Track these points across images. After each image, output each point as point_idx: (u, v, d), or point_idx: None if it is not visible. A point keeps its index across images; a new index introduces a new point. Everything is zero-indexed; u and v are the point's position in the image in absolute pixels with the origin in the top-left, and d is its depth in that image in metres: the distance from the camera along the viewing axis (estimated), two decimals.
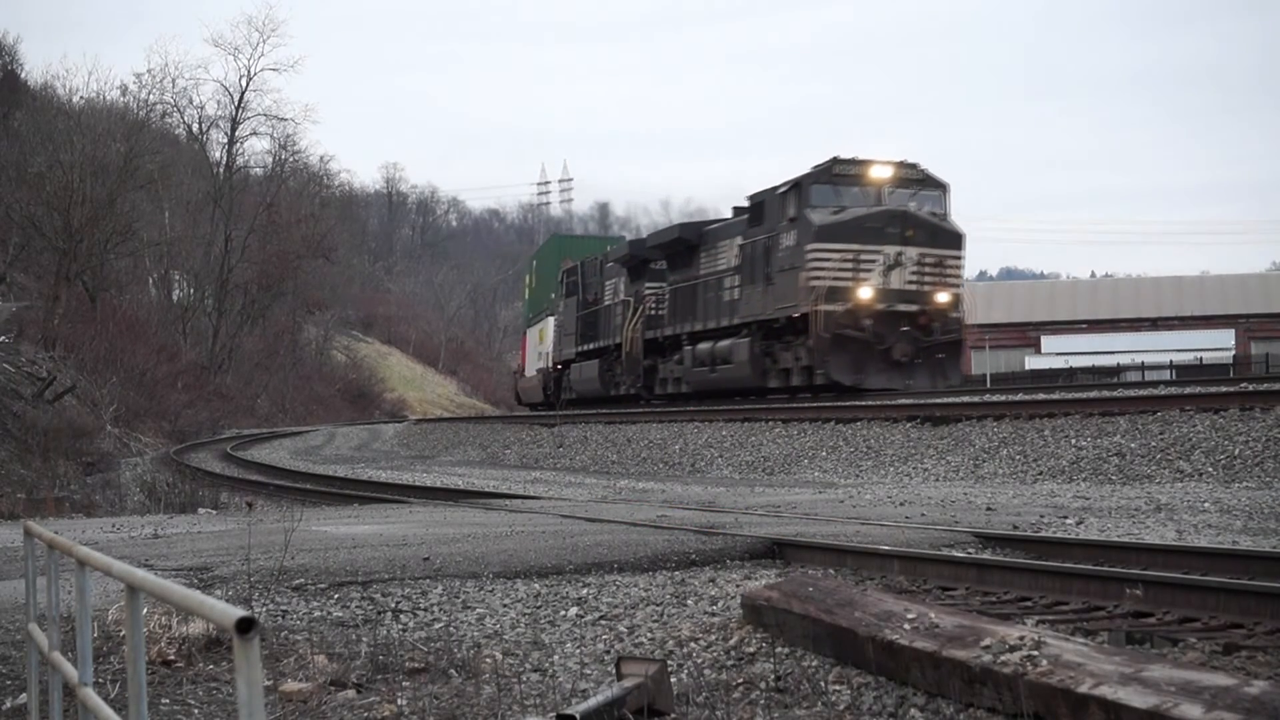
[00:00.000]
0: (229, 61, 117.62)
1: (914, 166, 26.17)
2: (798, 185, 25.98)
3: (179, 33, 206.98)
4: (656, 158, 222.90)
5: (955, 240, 25.71)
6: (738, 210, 30.19)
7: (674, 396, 32.78)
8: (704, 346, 29.86)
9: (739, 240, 28.60)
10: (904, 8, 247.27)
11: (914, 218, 25.27)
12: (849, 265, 25.00)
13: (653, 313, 33.49)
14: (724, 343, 28.77)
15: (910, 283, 25.03)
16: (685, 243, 31.49)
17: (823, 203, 25.56)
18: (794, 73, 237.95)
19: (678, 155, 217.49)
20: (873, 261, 24.98)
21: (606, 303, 37.50)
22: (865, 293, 24.89)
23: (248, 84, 69.78)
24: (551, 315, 44.37)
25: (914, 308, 24.88)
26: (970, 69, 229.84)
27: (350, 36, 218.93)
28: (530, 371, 49.00)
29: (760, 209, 27.60)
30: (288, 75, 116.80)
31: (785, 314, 26.05)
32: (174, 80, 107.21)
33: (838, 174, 25.81)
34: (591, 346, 38.11)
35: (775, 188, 26.98)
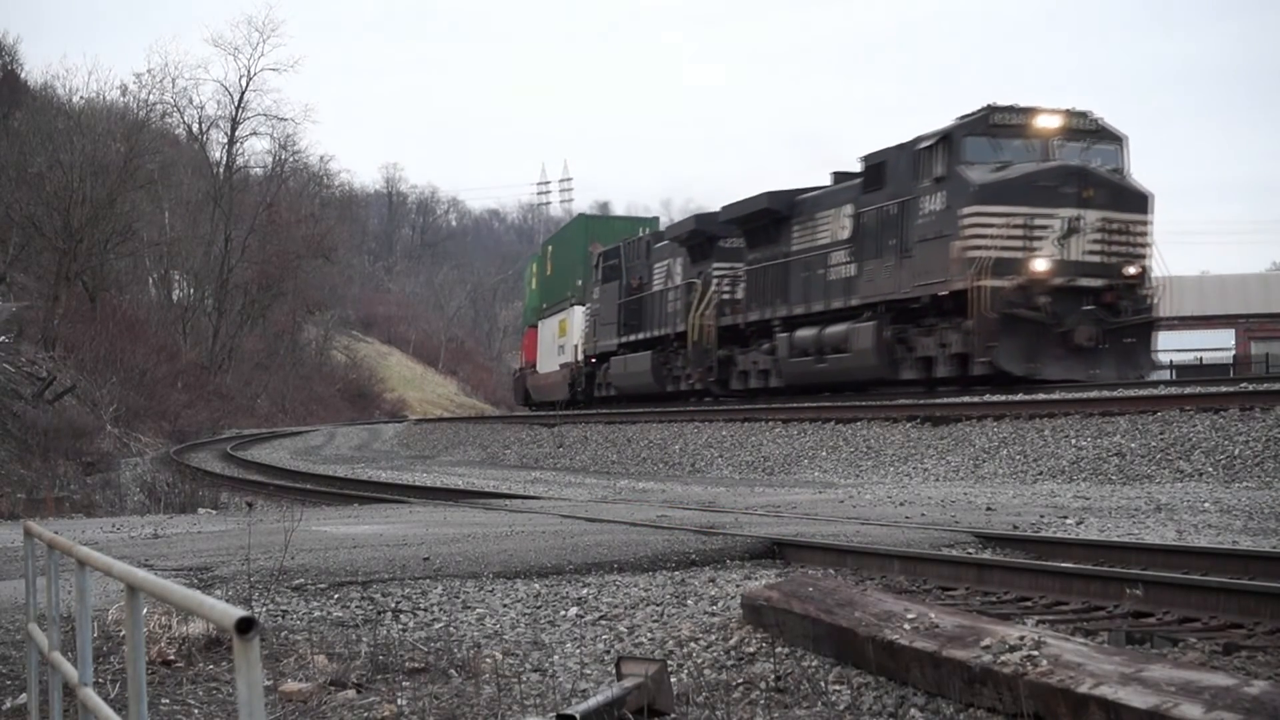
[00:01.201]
0: (229, 61, 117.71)
1: (1085, 115, 22.43)
2: (947, 138, 22.14)
3: (179, 33, 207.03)
4: (657, 158, 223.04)
5: (1142, 202, 21.91)
6: (839, 175, 26.60)
7: (755, 392, 29.05)
8: (805, 333, 26.00)
9: (848, 209, 24.90)
10: (907, 9, 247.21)
11: (1094, 175, 21.55)
12: (1018, 232, 21.24)
13: (726, 296, 29.92)
14: (835, 328, 24.97)
15: (1092, 252, 21.28)
16: (772, 215, 27.58)
17: (979, 158, 21.89)
18: (793, 75, 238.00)
19: (678, 155, 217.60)
20: (1046, 227, 21.25)
21: (656, 288, 34.14)
22: (1040, 265, 21.08)
23: (248, 84, 69.85)
24: (578, 304, 40.92)
25: (1098, 282, 21.17)
26: (965, 69, 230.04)
27: (350, 36, 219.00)
28: (547, 367, 45.40)
29: (880, 171, 23.86)
30: (287, 75, 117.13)
31: (929, 292, 22.31)
32: (174, 80, 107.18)
33: (996, 124, 22.03)
34: (639, 337, 34.71)
35: (906, 143, 23.24)
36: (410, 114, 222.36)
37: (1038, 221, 21.25)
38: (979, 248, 21.18)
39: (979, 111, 22.28)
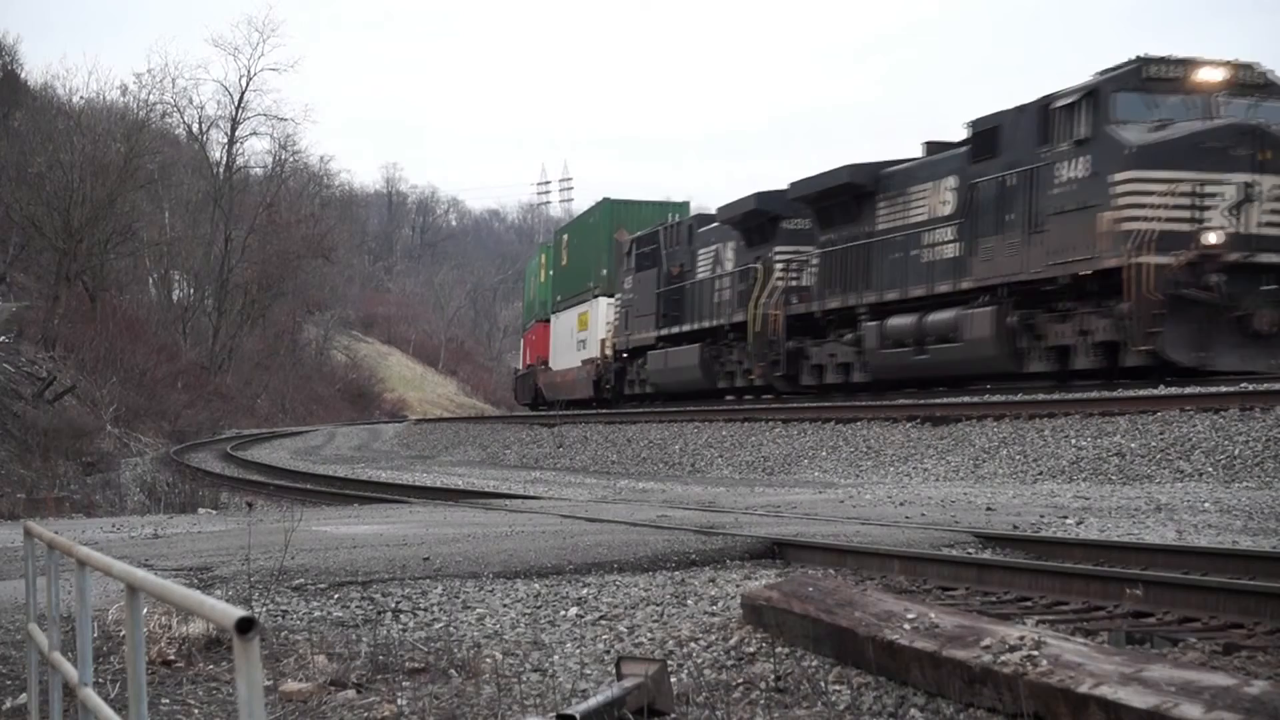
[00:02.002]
0: (229, 61, 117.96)
1: (1251, 67, 19.94)
2: (1092, 94, 19.53)
3: (179, 33, 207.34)
4: (657, 157, 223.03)
5: None
6: (933, 146, 23.95)
7: (831, 388, 26.20)
8: (900, 322, 23.14)
9: (950, 181, 22.28)
10: (914, 11, 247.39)
11: (1271, 135, 18.75)
12: (1184, 200, 18.54)
13: (793, 283, 27.40)
14: (941, 315, 22.11)
15: (1272, 224, 18.54)
16: (854, 190, 24.84)
17: (1132, 116, 19.28)
18: (795, 74, 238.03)
19: (678, 155, 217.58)
20: (1216, 195, 18.53)
21: (701, 275, 31.39)
22: (1212, 238, 18.30)
23: (247, 84, 69.86)
24: (603, 295, 38.44)
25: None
26: (956, 68, 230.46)
27: (350, 36, 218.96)
28: (564, 363, 42.52)
29: (992, 137, 21.24)
30: (287, 75, 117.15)
31: (1068, 271, 19.57)
32: (174, 80, 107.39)
33: (1151, 77, 19.50)
34: (682, 329, 31.82)
35: (1029, 105, 20.64)
36: (410, 114, 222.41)
37: (1207, 189, 18.49)
38: (1138, 219, 18.41)
39: (1129, 64, 19.70)
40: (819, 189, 25.92)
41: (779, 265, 27.83)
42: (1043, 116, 20.22)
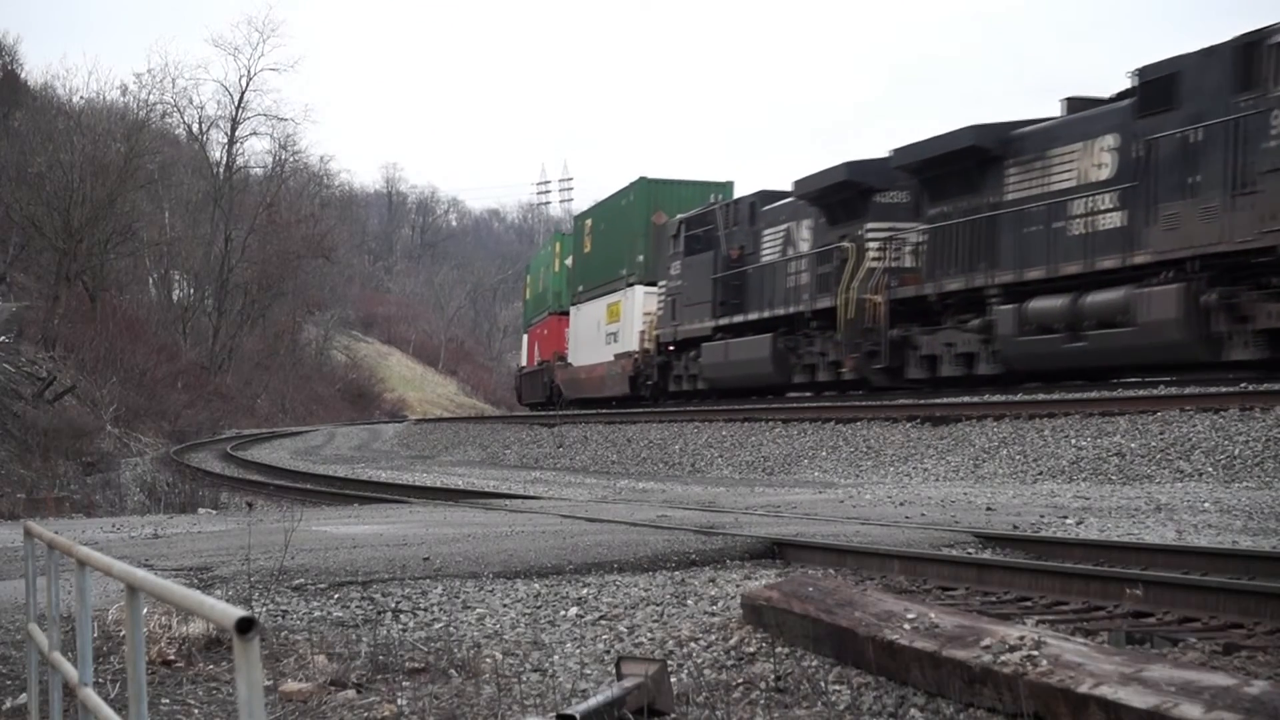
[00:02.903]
0: (229, 61, 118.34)
1: None
2: None
3: (179, 33, 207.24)
4: (657, 157, 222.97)
5: None
6: (1077, 102, 20.88)
7: (946, 382, 22.89)
8: (1047, 304, 19.98)
9: (1108, 140, 19.37)
10: (914, 12, 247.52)
11: None
12: None
13: (893, 263, 24.23)
14: (1104, 295, 19.05)
15: None
16: (978, 154, 21.77)
17: None
18: (796, 74, 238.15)
19: (678, 155, 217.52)
20: None
21: (768, 258, 28.34)
22: None
23: (248, 84, 70.00)
24: (639, 283, 35.38)
25: None
26: (969, 68, 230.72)
27: (350, 36, 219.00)
28: (589, 358, 39.32)
29: (1169, 86, 18.24)
30: (287, 75, 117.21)
31: None
32: (174, 80, 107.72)
33: None
34: (747, 318, 28.73)
35: (1220, 46, 17.66)
36: (410, 114, 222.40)
37: None
38: None
39: None
40: (931, 155, 22.73)
41: (873, 244, 24.57)
42: (1245, 57, 17.16)
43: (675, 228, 32.45)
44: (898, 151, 23.86)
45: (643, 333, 34.75)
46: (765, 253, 28.63)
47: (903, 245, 24.30)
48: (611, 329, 37.46)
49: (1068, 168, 20.15)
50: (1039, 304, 20.30)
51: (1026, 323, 20.53)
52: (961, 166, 22.24)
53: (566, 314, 43.46)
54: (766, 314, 28.02)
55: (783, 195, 28.66)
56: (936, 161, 22.74)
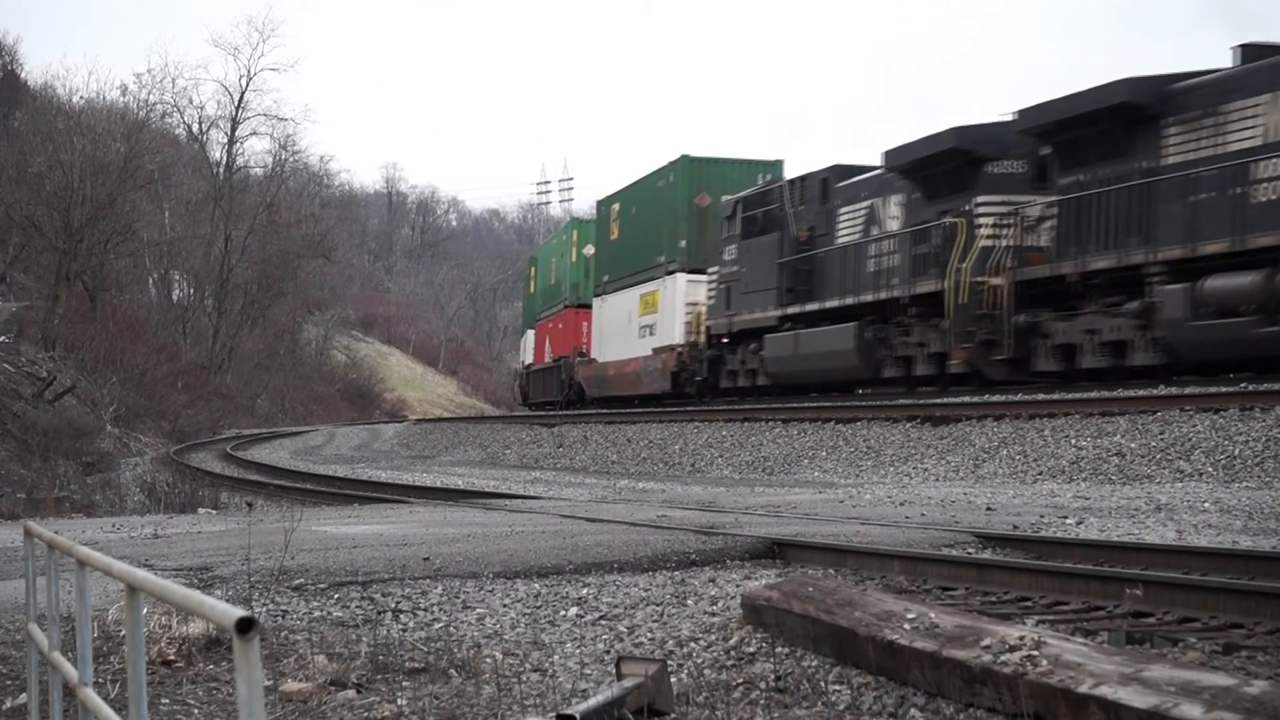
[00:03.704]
0: (229, 61, 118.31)
1: None
2: None
3: (179, 33, 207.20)
4: (658, 158, 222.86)
5: None
6: (1252, 50, 18.48)
7: (1090, 374, 20.14)
8: (1229, 283, 17.34)
9: None
10: (916, 14, 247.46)
11: None
12: None
13: (1006, 240, 21.48)
14: None
15: None
16: (1129, 112, 19.16)
17: None
18: (796, 74, 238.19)
19: (676, 152, 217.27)
20: None
21: (844, 239, 25.63)
22: None
23: (248, 84, 70.01)
24: (681, 271, 32.63)
25: None
26: (946, 76, 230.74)
27: (350, 36, 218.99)
28: (617, 353, 36.55)
29: None
30: (287, 75, 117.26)
31: None
32: (174, 80, 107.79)
33: None
34: (823, 305, 25.94)
35: None
36: (410, 114, 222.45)
37: None
38: None
39: None
40: (1068, 115, 19.97)
41: (985, 219, 21.83)
42: None
43: (730, 208, 29.65)
44: (1023, 113, 21.10)
45: (687, 324, 32.17)
46: (842, 233, 25.78)
47: (1025, 220, 21.41)
48: (647, 321, 34.61)
49: (1251, 124, 17.61)
50: (1220, 282, 17.47)
51: (1202, 304, 17.74)
52: (1105, 127, 19.51)
53: (587, 306, 41.11)
54: (849, 301, 25.03)
55: (862, 169, 26.15)
56: (1074, 122, 19.91)
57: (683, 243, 33.04)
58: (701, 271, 31.79)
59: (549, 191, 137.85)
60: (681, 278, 32.76)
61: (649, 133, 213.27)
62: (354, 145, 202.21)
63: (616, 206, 38.74)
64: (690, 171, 33.62)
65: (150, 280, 66.50)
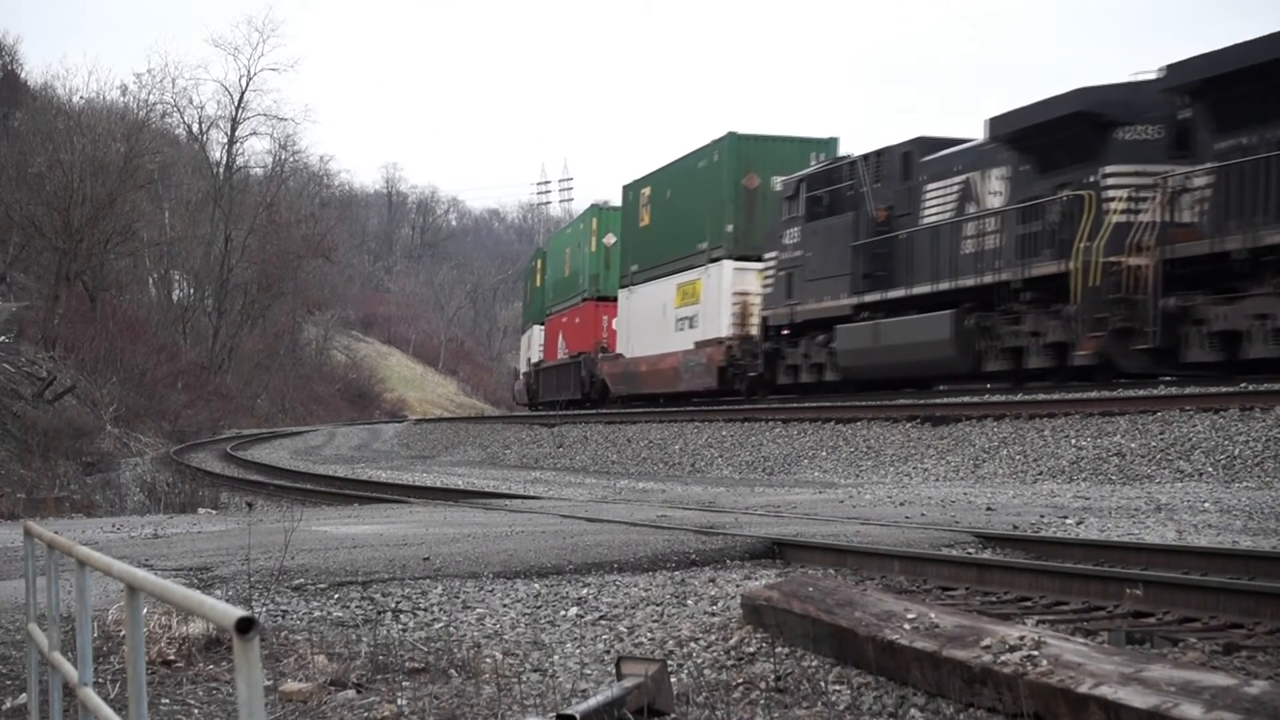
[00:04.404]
0: (229, 61, 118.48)
1: None
2: None
3: (179, 33, 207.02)
4: (658, 158, 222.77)
5: None
6: None
7: (1243, 366, 17.53)
8: None
9: None
10: (918, 16, 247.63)
11: None
12: None
13: (1151, 217, 18.74)
14: None
15: None
16: None
17: None
18: (796, 74, 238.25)
19: (677, 154, 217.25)
20: None
21: (932, 219, 23.02)
22: None
23: (248, 84, 70.07)
24: (727, 258, 30.04)
25: None
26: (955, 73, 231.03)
27: (350, 36, 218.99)
28: (650, 348, 33.83)
29: None
30: (287, 75, 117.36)
31: None
32: (174, 80, 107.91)
33: None
34: (909, 292, 23.26)
35: None
36: (410, 114, 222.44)
37: None
38: None
39: None
40: (1231, 69, 17.53)
41: (1118, 192, 19.26)
42: None
43: (792, 188, 27.16)
44: (1173, 68, 18.71)
45: (736, 315, 29.68)
46: (929, 212, 23.22)
47: (1171, 191, 18.76)
48: (686, 313, 32.05)
49: None
50: None
51: None
52: (1275, 82, 17.08)
53: (608, 299, 38.95)
54: (945, 286, 22.26)
55: (951, 141, 23.85)
56: (1238, 77, 17.47)
57: (729, 227, 30.36)
58: (750, 258, 29.57)
59: (549, 191, 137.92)
60: (728, 265, 30.15)
61: (649, 133, 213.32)
62: (354, 145, 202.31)
63: (647, 190, 35.99)
64: (737, 150, 30.75)
65: (150, 280, 66.52)
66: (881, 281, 24.14)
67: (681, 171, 33.74)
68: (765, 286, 28.38)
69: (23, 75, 63.54)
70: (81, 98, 61.36)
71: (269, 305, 69.55)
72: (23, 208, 47.47)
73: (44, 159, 48.41)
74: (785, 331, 27.63)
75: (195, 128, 72.40)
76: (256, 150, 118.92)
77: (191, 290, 68.12)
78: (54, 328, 43.98)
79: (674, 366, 32.41)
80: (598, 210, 42.08)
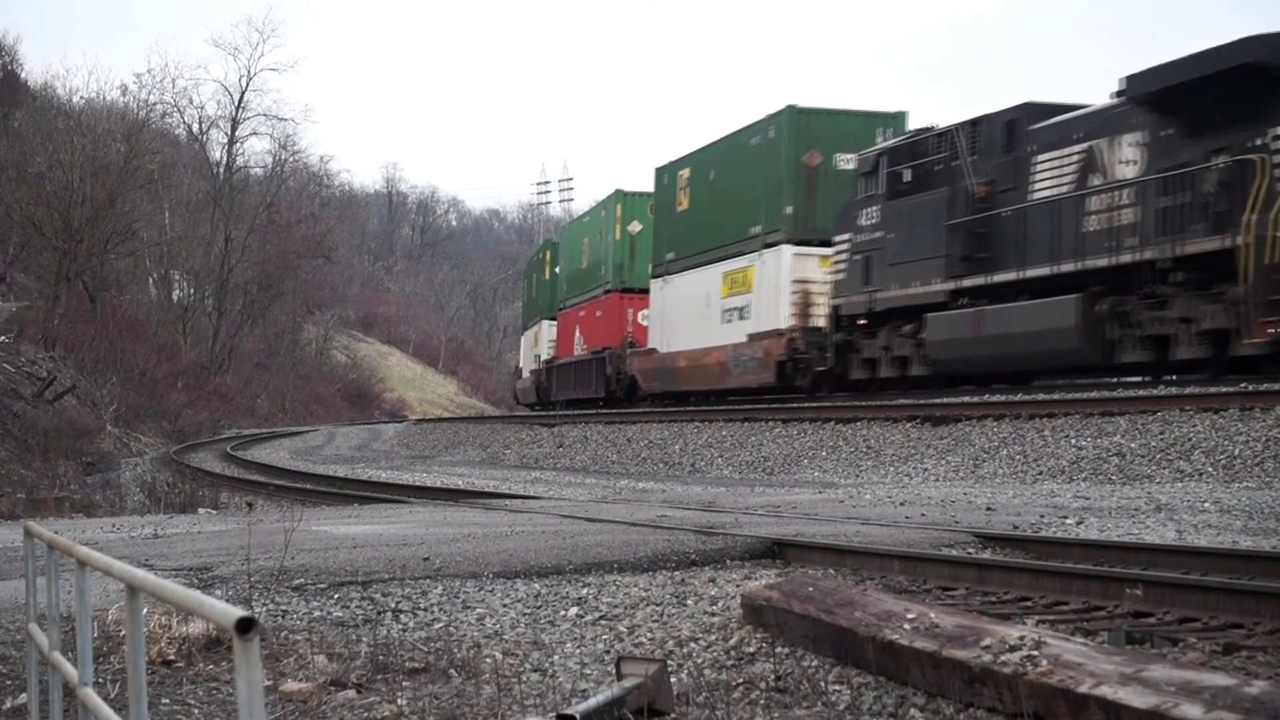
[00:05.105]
0: (229, 61, 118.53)
1: None
2: None
3: (179, 33, 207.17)
4: (658, 158, 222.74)
5: None
6: None
7: None
8: None
9: None
10: (919, 17, 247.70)
11: None
12: None
13: None
14: None
15: None
16: None
17: None
18: (796, 74, 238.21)
19: (677, 154, 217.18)
20: None
21: (1044, 193, 20.51)
22: None
23: (248, 84, 70.09)
24: (786, 242, 27.69)
25: None
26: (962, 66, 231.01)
27: (350, 36, 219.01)
28: (691, 342, 31.34)
29: None
30: (287, 75, 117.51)
31: None
32: (174, 80, 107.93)
33: None
34: (1021, 274, 20.70)
35: None
36: (410, 114, 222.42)
37: None
38: None
39: None
40: None
41: None
42: None
43: (871, 163, 24.91)
44: None
45: (796, 305, 27.38)
46: (1041, 185, 20.75)
47: None
48: (735, 303, 29.67)
49: None
50: None
51: None
52: None
53: (635, 290, 36.98)
54: (1069, 267, 19.75)
55: (1067, 107, 21.44)
56: None
57: (789, 209, 27.80)
58: (811, 242, 27.47)
59: (549, 191, 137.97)
60: (787, 250, 27.72)
61: (649, 133, 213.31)
62: (354, 145, 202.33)
63: (686, 172, 33.23)
64: (798, 125, 28.18)
65: (150, 280, 66.52)
66: (983, 264, 21.70)
67: (729, 150, 31.10)
68: (836, 272, 25.88)
69: (23, 75, 63.57)
70: (81, 98, 61.47)
71: (269, 305, 69.56)
72: (23, 208, 47.48)
73: (44, 159, 48.44)
74: (863, 321, 25.13)
75: (195, 128, 72.49)
76: (256, 150, 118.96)
77: (191, 290, 68.13)
78: (54, 328, 43.98)
79: (721, 361, 30.02)
80: (622, 196, 39.36)
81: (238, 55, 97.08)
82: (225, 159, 71.26)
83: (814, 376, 26.87)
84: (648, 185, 36.90)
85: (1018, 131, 21.53)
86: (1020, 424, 18.53)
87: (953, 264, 22.25)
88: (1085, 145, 20.02)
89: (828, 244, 26.51)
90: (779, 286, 27.77)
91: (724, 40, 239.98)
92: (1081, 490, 14.34)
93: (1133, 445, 16.11)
